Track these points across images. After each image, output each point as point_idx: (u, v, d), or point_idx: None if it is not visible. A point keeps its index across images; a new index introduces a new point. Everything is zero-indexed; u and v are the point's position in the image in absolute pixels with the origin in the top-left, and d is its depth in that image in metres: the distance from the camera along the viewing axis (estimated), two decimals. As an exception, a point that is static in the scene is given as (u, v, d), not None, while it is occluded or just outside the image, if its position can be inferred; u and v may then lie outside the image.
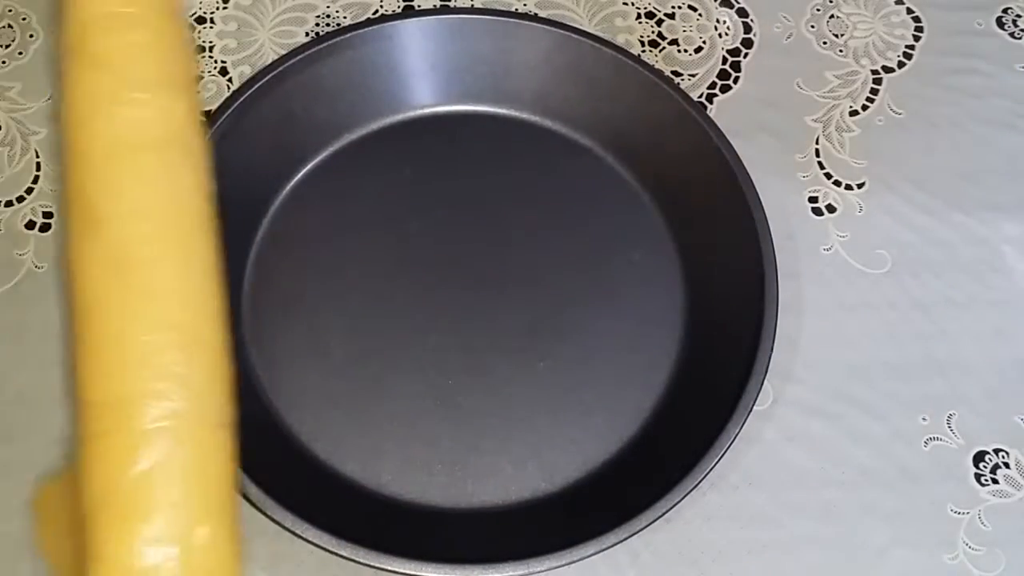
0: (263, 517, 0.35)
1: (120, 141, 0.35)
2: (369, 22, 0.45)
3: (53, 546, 0.36)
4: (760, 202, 0.41)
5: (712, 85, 0.49)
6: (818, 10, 0.51)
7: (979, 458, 0.41)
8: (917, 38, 0.50)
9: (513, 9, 0.50)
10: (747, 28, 0.50)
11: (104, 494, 0.31)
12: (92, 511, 0.31)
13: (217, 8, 0.50)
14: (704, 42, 0.50)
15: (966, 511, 0.40)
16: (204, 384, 0.32)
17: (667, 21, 0.51)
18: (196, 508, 0.31)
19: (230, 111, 0.42)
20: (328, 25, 0.49)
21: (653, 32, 0.50)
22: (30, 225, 0.44)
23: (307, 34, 0.49)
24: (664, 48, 0.50)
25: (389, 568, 0.35)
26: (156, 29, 0.37)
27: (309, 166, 0.45)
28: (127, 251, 0.33)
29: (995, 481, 0.41)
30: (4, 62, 0.48)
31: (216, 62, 0.48)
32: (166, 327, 0.32)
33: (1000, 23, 0.51)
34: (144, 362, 0.32)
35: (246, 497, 0.35)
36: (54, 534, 0.36)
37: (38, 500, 0.37)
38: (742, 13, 0.51)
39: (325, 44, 0.44)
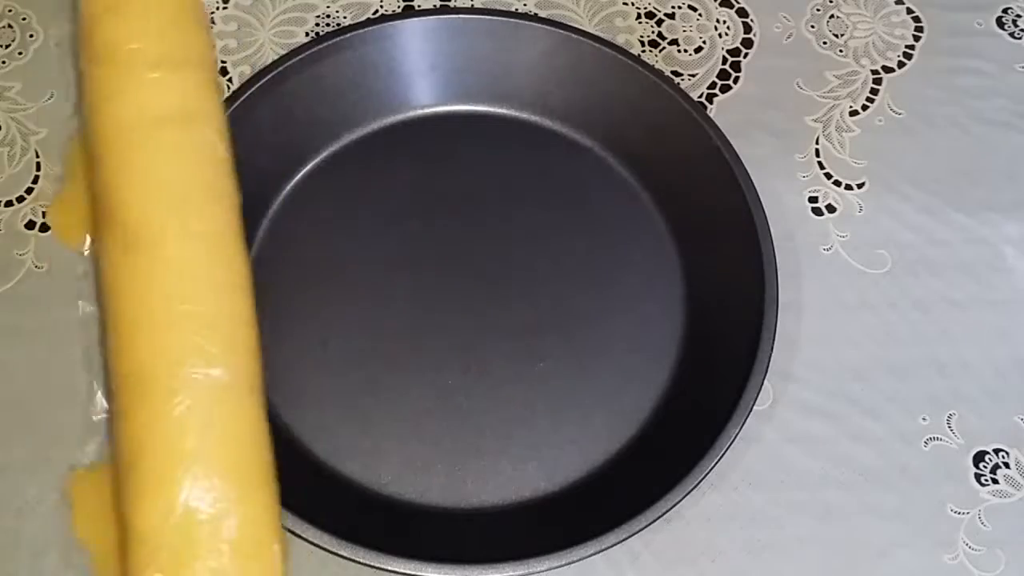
0: (263, 517, 0.35)
1: (132, 121, 0.35)
2: (369, 22, 0.45)
3: (91, 533, 0.36)
4: (760, 202, 0.41)
5: (712, 85, 0.49)
6: (818, 10, 0.51)
7: (979, 458, 0.41)
8: (917, 38, 0.50)
9: (513, 9, 0.50)
10: (747, 28, 0.50)
11: (140, 452, 0.31)
12: (130, 465, 0.31)
13: (217, 8, 0.50)
14: (704, 42, 0.50)
15: (966, 511, 0.40)
16: (232, 352, 0.33)
17: (667, 21, 0.51)
18: (230, 467, 0.31)
19: (230, 111, 0.42)
20: (328, 25, 0.49)
21: (653, 32, 0.50)
22: (30, 225, 0.44)
23: (307, 34, 0.49)
24: (664, 48, 0.50)
25: (389, 568, 0.35)
26: (160, 9, 0.37)
27: (309, 166, 0.45)
28: (147, 228, 0.34)
29: (995, 481, 0.41)
30: (4, 62, 0.48)
31: (216, 62, 0.48)
32: (192, 300, 0.33)
33: (1000, 23, 0.51)
34: (173, 332, 0.32)
35: (246, 497, 0.35)
36: (92, 521, 0.36)
37: (74, 489, 0.37)
38: (742, 13, 0.51)
39: (325, 44, 0.44)
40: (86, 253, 0.42)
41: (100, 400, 0.40)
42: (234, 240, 0.35)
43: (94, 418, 0.40)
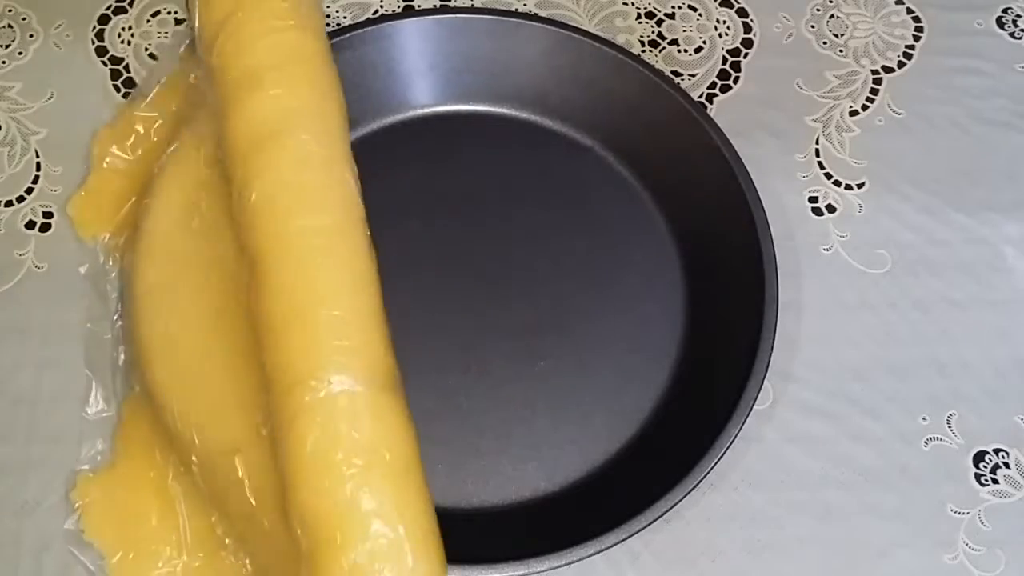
0: (263, 517, 0.35)
1: (238, 145, 0.37)
2: (369, 22, 0.45)
3: (102, 534, 0.37)
4: (760, 202, 0.41)
5: (712, 85, 0.49)
6: (818, 10, 0.51)
7: (979, 458, 0.41)
8: (917, 38, 0.50)
9: (513, 9, 0.50)
10: (747, 28, 0.50)
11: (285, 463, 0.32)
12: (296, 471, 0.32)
13: (217, 8, 0.49)
14: (704, 42, 0.50)
15: (966, 511, 0.40)
16: (372, 351, 0.34)
17: (667, 21, 0.51)
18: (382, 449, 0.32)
19: (230, 111, 0.42)
20: (328, 25, 0.49)
21: (653, 32, 0.50)
22: (30, 225, 0.44)
23: (307, 34, 0.49)
24: (664, 48, 0.50)
25: (389, 568, 0.35)
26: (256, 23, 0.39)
27: (309, 166, 0.45)
28: (259, 248, 0.35)
29: (995, 481, 0.41)
30: (4, 62, 0.48)
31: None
32: (338, 305, 0.34)
33: (1000, 23, 0.51)
34: (302, 341, 0.33)
35: (246, 497, 0.35)
36: (103, 522, 0.37)
37: (81, 492, 0.38)
38: (742, 13, 0.51)
39: (325, 44, 0.44)
40: (98, 247, 0.42)
41: (99, 401, 0.40)
42: (350, 238, 0.36)
43: (92, 418, 0.40)
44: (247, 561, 0.36)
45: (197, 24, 0.40)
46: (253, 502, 0.34)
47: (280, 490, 0.33)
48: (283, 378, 0.33)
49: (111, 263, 0.42)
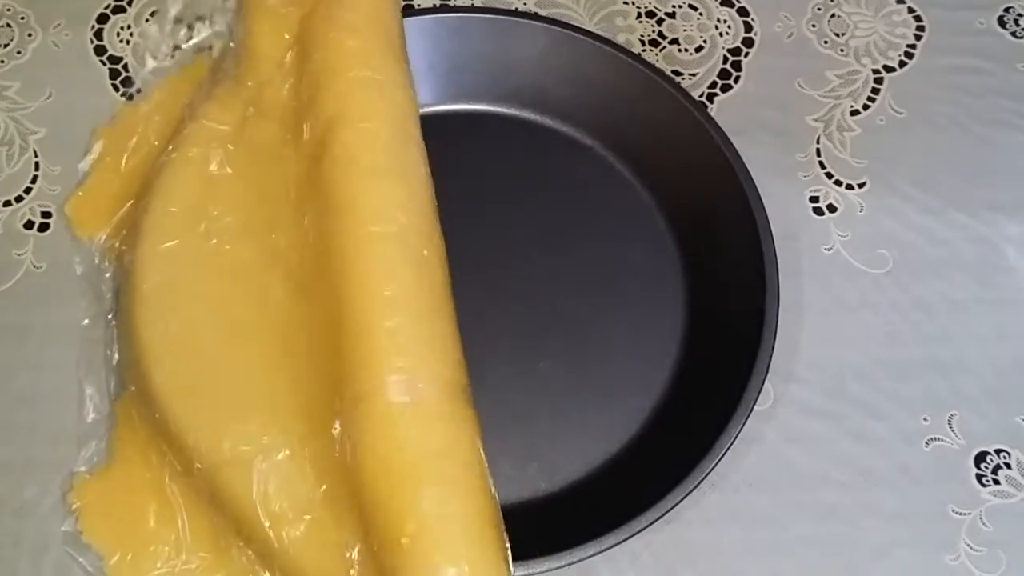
0: (262, 518, 0.35)
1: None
2: (369, 21, 0.45)
3: (102, 536, 0.37)
4: (761, 201, 0.41)
5: (713, 84, 0.49)
6: (819, 9, 0.51)
7: (980, 458, 0.41)
8: (918, 37, 0.50)
9: (513, 8, 0.50)
10: (748, 27, 0.50)
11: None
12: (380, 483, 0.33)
13: (217, 8, 0.49)
14: (705, 41, 0.50)
15: (967, 512, 0.40)
16: (436, 359, 0.35)
17: (667, 20, 0.50)
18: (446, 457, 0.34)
19: (229, 110, 0.42)
20: (328, 24, 0.49)
21: (653, 31, 0.50)
22: (29, 225, 0.44)
23: (307, 33, 0.49)
24: (664, 47, 0.50)
25: (388, 569, 0.35)
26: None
27: (309, 165, 0.45)
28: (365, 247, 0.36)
29: (996, 482, 0.40)
30: (3, 61, 0.48)
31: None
32: (397, 316, 0.35)
33: (1001, 22, 0.51)
34: (386, 344, 0.34)
35: (245, 497, 0.35)
36: (102, 523, 0.37)
37: (79, 494, 0.38)
38: (743, 12, 0.51)
39: (325, 43, 0.44)
40: (94, 247, 0.42)
41: (95, 402, 0.40)
42: (417, 247, 0.37)
43: (89, 419, 0.40)
44: (258, 566, 0.36)
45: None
46: (263, 518, 0.34)
47: (310, 502, 0.34)
48: (342, 388, 0.34)
49: (106, 263, 0.42)
